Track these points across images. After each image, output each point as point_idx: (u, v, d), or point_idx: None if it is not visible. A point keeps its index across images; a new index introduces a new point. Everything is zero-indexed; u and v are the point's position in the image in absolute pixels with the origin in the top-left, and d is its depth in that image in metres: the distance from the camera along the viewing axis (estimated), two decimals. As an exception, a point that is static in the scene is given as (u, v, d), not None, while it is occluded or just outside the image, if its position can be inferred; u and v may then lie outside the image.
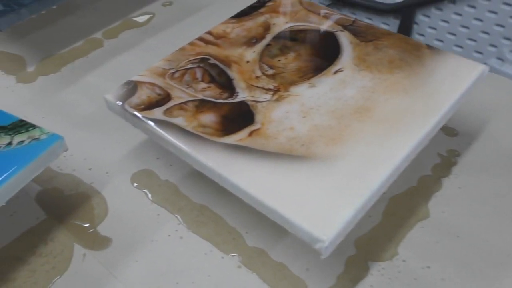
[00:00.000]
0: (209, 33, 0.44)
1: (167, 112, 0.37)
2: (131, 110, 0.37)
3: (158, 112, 0.37)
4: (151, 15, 0.62)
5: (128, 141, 0.46)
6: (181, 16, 0.61)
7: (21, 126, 0.37)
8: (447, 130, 0.44)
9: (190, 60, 0.41)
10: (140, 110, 0.37)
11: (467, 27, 0.59)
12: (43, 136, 0.36)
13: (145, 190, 0.42)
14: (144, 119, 0.37)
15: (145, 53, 0.56)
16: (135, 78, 0.40)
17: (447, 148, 0.43)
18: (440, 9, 0.61)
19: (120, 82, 0.52)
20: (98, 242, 0.38)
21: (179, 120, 0.36)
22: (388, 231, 0.37)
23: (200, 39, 0.43)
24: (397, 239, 0.37)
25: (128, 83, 0.40)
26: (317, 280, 0.34)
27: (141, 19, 0.61)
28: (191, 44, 0.43)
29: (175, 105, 0.37)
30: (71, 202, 0.41)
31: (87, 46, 0.58)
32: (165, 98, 0.38)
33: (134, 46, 0.57)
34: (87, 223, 0.39)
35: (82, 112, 0.49)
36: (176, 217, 0.39)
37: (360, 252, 0.36)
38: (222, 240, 0.37)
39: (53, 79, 0.54)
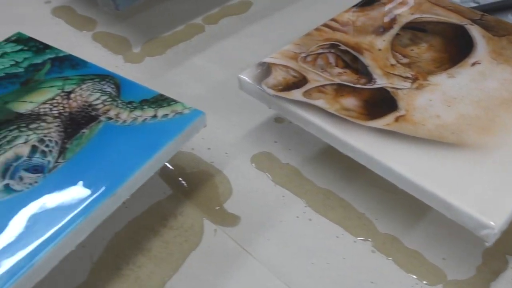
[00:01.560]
0: (334, 20, 0.44)
1: (306, 93, 0.37)
2: (269, 90, 0.38)
3: (297, 94, 0.37)
4: (249, 3, 0.62)
5: (242, 123, 0.46)
6: (278, 5, 0.62)
7: (162, 100, 0.38)
8: None
9: (320, 46, 0.41)
10: (278, 90, 0.38)
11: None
12: (186, 111, 0.37)
13: (266, 172, 0.42)
14: (284, 99, 0.37)
15: (248, 39, 0.57)
16: (268, 60, 0.40)
17: None
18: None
19: (226, 66, 0.53)
20: (227, 219, 0.39)
21: (320, 102, 0.36)
22: (522, 227, 0.37)
23: (326, 25, 0.44)
24: (533, 235, 0.36)
25: (262, 64, 0.40)
26: (455, 270, 0.34)
27: (240, 6, 0.62)
28: (317, 30, 0.43)
29: (313, 87, 0.38)
30: (194, 179, 0.42)
31: (189, 31, 0.59)
32: (301, 80, 0.38)
33: (235, 32, 0.58)
34: (213, 200, 0.40)
35: (191, 93, 0.50)
36: (302, 200, 0.40)
37: (496, 245, 0.36)
38: (352, 225, 0.38)
39: (159, 61, 0.55)
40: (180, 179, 0.42)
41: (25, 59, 0.42)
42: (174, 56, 0.55)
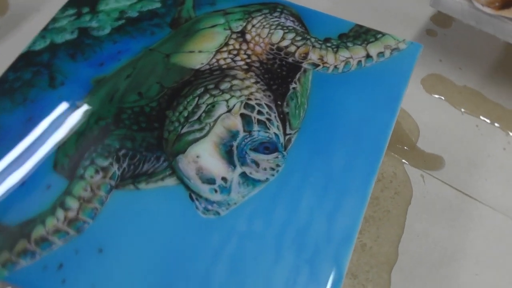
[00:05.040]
0: None
1: (532, 10, 0.31)
2: (486, 9, 0.31)
3: (521, 11, 0.31)
4: None
5: (391, 40, 0.40)
6: None
7: (364, 32, 0.30)
8: None
9: None
10: (496, 8, 0.31)
11: None
12: (402, 45, 0.30)
13: (444, 98, 0.37)
14: (508, 20, 0.31)
15: None
16: (462, -34, 0.33)
17: None
18: None
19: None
20: (429, 161, 0.34)
21: (554, 20, 0.31)
22: None
23: None
24: None
25: (458, -27, 0.33)
26: None
27: None
28: None
29: (536, 1, 0.32)
30: (369, 116, 0.36)
31: None
32: (516, -8, 0.32)
33: None
34: (403, 140, 0.35)
35: (316, 7, 0.42)
36: (499, 127, 0.36)
37: None
38: None
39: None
40: (354, 118, 0.36)
41: (151, -12, 0.32)
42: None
